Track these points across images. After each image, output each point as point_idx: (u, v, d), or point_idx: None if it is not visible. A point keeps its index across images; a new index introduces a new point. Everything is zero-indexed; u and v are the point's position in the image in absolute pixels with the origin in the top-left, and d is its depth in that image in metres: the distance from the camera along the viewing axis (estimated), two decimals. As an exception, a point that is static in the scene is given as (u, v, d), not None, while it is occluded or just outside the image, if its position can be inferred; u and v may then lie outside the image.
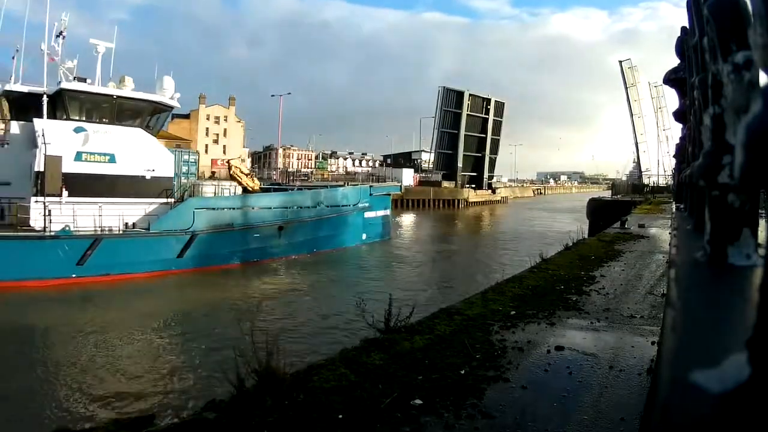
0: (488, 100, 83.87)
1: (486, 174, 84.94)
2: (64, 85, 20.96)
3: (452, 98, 77.81)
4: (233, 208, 24.25)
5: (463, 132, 78.81)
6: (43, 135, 19.64)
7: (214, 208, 23.57)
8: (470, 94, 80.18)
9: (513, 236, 38.76)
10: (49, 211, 18.78)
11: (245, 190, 26.70)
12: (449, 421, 3.87)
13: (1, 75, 22.06)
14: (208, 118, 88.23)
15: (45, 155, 19.46)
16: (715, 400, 0.56)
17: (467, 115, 79.01)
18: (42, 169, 19.38)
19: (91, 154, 20.99)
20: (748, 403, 0.53)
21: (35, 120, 20.08)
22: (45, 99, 20.28)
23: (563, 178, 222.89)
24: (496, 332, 6.03)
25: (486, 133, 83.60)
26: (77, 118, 21.27)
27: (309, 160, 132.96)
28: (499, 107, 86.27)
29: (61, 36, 21.90)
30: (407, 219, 52.02)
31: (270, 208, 25.54)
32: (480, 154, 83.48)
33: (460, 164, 79.04)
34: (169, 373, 10.55)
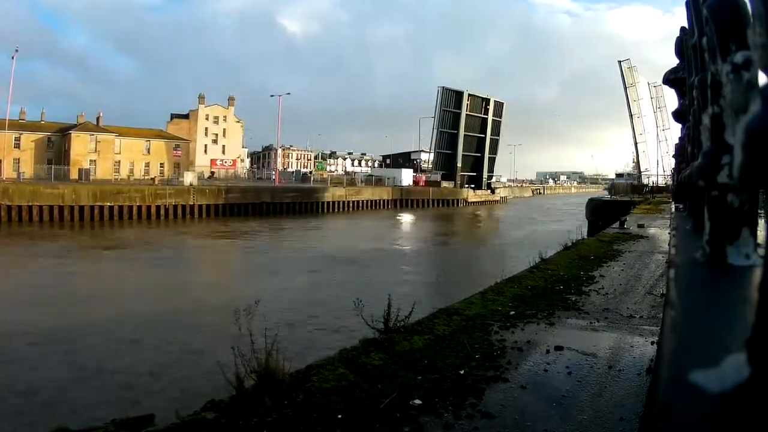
0: (487, 100, 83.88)
1: (485, 174, 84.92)
2: None
3: (451, 98, 77.79)
4: None
5: (462, 132, 78.81)
6: None
7: None
8: (469, 94, 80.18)
9: (511, 235, 38.75)
10: None
11: None
12: (448, 421, 3.87)
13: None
14: (207, 118, 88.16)
15: None
16: (715, 400, 0.56)
17: (466, 115, 78.99)
18: None
19: None
20: (747, 404, 0.53)
21: None
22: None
23: (563, 178, 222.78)
24: (495, 332, 6.04)
25: (485, 133, 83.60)
26: None
27: (308, 160, 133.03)
28: (498, 107, 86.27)
29: None
30: (406, 218, 52.01)
31: None
32: (479, 154, 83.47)
33: (459, 164, 79.03)
34: (168, 373, 10.54)
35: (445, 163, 79.16)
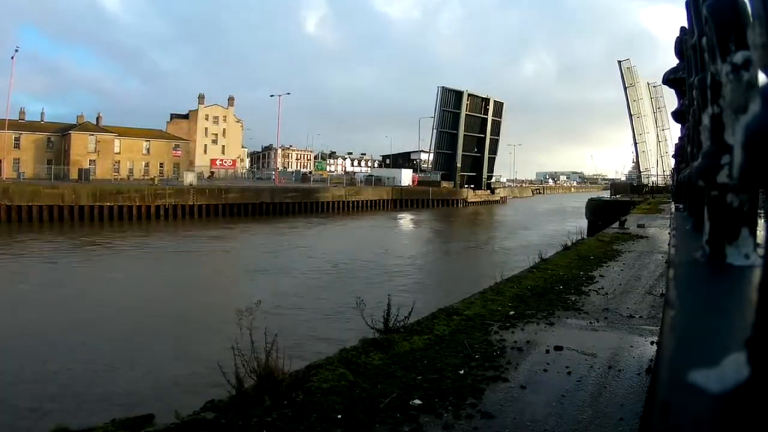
0: (487, 100, 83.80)
1: (485, 174, 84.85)
2: None
3: (451, 98, 77.72)
4: None
5: (462, 132, 78.75)
6: None
7: None
8: (469, 94, 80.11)
9: (510, 235, 38.76)
10: None
11: None
12: (448, 421, 3.87)
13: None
14: (207, 118, 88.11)
15: None
16: (715, 400, 0.56)
17: (466, 115, 78.94)
18: None
19: None
20: (747, 403, 0.53)
21: None
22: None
23: (562, 178, 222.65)
24: (495, 332, 6.04)
25: (485, 133, 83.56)
26: None
27: (308, 160, 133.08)
28: (498, 107, 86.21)
29: None
30: (405, 219, 52.02)
31: None
32: (479, 154, 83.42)
33: (458, 164, 78.97)
34: (167, 373, 10.54)
35: (445, 163, 79.11)
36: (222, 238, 33.60)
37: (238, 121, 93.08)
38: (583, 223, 31.05)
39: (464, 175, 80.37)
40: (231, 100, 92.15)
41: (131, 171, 68.73)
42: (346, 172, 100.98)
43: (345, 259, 26.23)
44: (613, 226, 18.51)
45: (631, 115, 71.16)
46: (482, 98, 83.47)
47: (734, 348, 0.59)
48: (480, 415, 3.96)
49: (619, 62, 71.46)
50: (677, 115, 4.55)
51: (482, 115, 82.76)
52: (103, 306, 15.77)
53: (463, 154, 79.86)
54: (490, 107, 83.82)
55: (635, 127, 71.64)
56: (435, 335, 5.84)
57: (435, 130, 76.94)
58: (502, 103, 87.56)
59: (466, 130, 79.72)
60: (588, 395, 4.36)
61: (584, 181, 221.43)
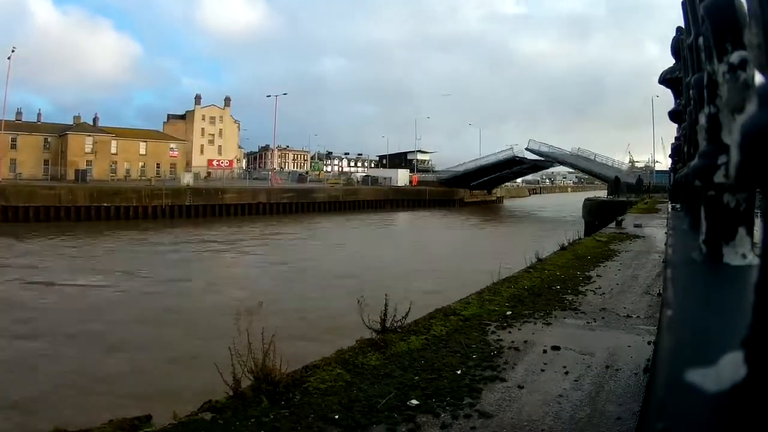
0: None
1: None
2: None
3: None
4: None
5: (459, 132, 78.90)
6: None
7: None
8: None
9: (508, 234, 38.75)
10: None
11: None
12: (446, 421, 3.87)
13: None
14: (203, 119, 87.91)
15: None
16: (712, 400, 0.56)
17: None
18: None
19: None
20: (744, 403, 0.53)
21: None
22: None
23: (559, 178, 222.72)
24: (492, 332, 6.04)
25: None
26: None
27: (305, 160, 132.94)
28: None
29: None
30: (402, 218, 52.05)
31: None
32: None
33: (455, 164, 79.03)
34: (165, 373, 10.51)
35: (442, 163, 79.19)
36: (220, 237, 33.56)
37: (235, 122, 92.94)
38: (580, 222, 31.07)
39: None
40: (227, 100, 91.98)
41: (128, 172, 68.55)
42: (343, 173, 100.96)
43: (340, 257, 26.23)
44: (610, 226, 18.54)
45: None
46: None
47: (731, 348, 0.60)
48: (478, 414, 3.97)
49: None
50: (674, 115, 4.56)
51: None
52: (95, 306, 15.73)
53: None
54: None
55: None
56: (432, 335, 5.85)
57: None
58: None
59: (464, 130, 79.89)
60: (585, 395, 4.37)
61: (581, 181, 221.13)
